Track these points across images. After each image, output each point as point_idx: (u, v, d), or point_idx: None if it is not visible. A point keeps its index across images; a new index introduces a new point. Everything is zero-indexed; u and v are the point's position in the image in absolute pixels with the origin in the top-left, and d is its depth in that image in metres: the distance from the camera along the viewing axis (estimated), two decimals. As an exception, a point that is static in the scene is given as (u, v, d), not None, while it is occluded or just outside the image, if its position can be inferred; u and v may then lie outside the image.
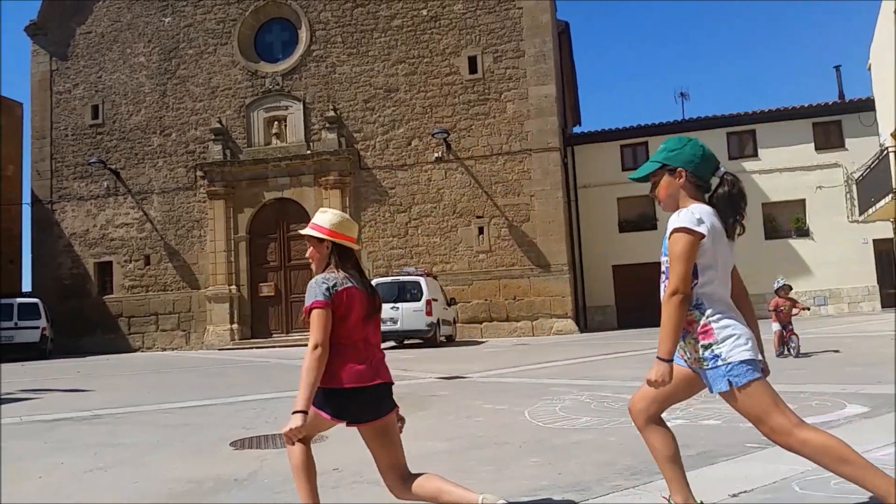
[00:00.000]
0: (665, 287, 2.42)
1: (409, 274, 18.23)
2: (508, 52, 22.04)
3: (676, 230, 2.42)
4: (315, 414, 2.71)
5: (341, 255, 2.89)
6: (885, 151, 18.85)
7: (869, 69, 22.36)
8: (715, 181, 2.54)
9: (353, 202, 22.46)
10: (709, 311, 2.47)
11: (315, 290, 2.74)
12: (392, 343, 18.33)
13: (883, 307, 22.20)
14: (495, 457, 4.36)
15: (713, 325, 2.46)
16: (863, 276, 22.78)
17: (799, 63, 68.93)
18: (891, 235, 22.00)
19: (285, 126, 23.39)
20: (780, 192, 23.39)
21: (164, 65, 24.41)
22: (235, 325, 22.60)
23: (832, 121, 23.43)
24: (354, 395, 2.72)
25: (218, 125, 23.37)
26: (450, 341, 18.92)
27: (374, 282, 18.69)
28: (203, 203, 23.53)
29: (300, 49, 23.57)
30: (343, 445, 5.07)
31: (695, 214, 2.43)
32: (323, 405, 2.73)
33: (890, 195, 18.42)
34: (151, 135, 24.32)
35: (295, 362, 14.12)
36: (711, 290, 2.47)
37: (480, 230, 21.64)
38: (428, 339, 17.22)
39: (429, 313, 16.99)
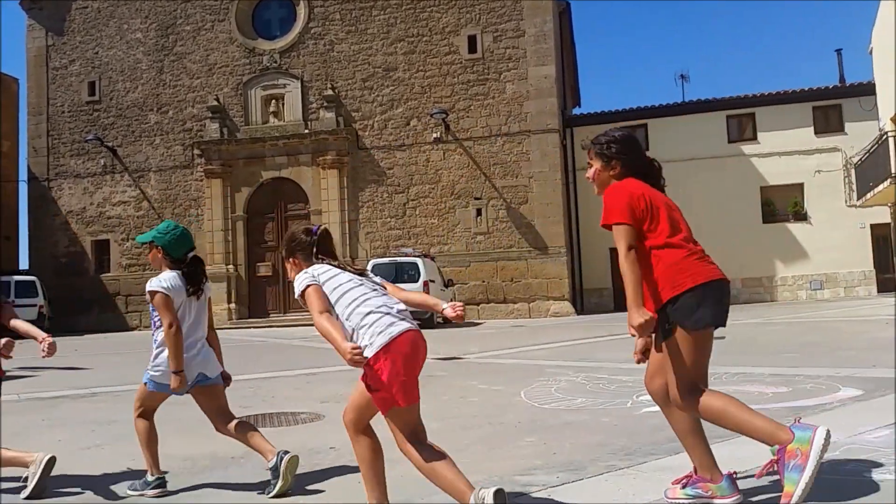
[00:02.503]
0: None
1: (406, 255, 18.25)
2: (508, 32, 21.89)
3: (148, 291, 3.52)
4: None
5: None
6: (885, 136, 18.83)
7: (870, 53, 22.26)
8: (188, 258, 3.61)
9: (350, 182, 22.41)
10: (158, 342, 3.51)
11: None
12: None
13: (879, 292, 22.28)
14: (490, 436, 4.38)
15: (156, 351, 3.54)
16: (860, 261, 22.83)
17: (800, 46, 68.59)
18: (888, 220, 22.02)
19: (283, 105, 23.26)
20: (779, 175, 23.35)
21: (161, 41, 24.20)
22: (233, 305, 22.62)
23: (832, 105, 23.35)
24: None
25: (215, 103, 23.23)
26: (447, 322, 18.98)
27: (371, 263, 18.71)
28: (200, 182, 23.46)
29: (298, 26, 23.38)
30: (339, 425, 5.10)
31: (161, 281, 3.52)
32: None
33: (888, 180, 18.43)
34: (148, 112, 24.18)
35: (292, 342, 14.17)
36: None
37: (478, 211, 21.62)
38: (425, 320, 17.25)
39: (426, 294, 17.00)
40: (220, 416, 3.62)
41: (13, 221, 28.60)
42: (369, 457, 2.69)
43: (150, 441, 3.50)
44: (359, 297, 2.64)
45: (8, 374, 9.48)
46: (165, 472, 3.51)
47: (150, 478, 3.44)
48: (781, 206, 23.54)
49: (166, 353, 3.44)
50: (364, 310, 2.59)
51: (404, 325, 2.56)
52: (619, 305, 23.37)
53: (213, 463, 4.05)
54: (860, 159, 21.56)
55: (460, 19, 22.24)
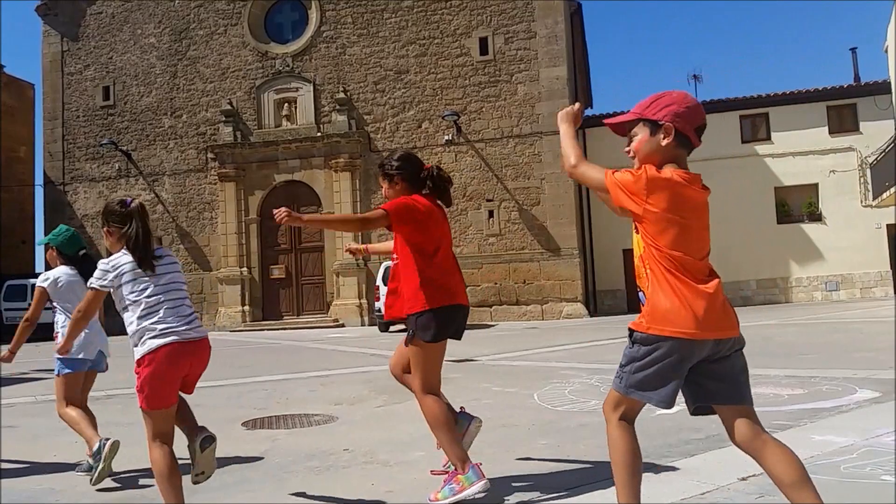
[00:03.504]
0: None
1: (418, 257, 18.20)
2: (520, 33, 21.87)
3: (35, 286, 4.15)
4: None
5: None
6: (901, 135, 18.63)
7: (885, 52, 22.06)
8: (81, 253, 4.23)
9: (363, 185, 22.46)
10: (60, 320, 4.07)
11: None
12: (401, 326, 18.40)
13: (895, 292, 22.05)
14: (504, 438, 4.37)
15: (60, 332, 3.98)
16: (876, 262, 22.61)
17: (814, 45, 68.11)
18: (905, 220, 21.79)
19: (295, 108, 23.36)
20: (793, 176, 23.19)
21: (175, 46, 24.38)
22: (247, 307, 22.72)
23: (847, 104, 23.15)
24: None
25: (228, 107, 23.36)
26: (459, 324, 18.93)
27: (383, 265, 18.73)
28: (214, 185, 23.59)
29: (310, 30, 23.47)
30: (353, 427, 5.10)
31: (47, 277, 4.08)
32: None
33: (905, 180, 18.23)
34: (162, 116, 24.35)
35: (306, 344, 14.21)
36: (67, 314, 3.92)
37: (490, 213, 21.61)
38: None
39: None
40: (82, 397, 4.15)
41: (29, 225, 28.89)
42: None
43: (86, 421, 3.85)
44: (144, 306, 2.93)
45: (25, 376, 9.58)
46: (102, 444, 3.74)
47: (90, 460, 3.66)
48: (796, 206, 23.36)
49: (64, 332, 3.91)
50: (144, 322, 2.91)
51: (169, 339, 2.84)
52: (633, 308, 23.28)
53: (223, 463, 4.07)
54: (875, 159, 21.36)
55: (471, 21, 22.25)
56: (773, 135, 23.59)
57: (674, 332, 2.10)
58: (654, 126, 2.22)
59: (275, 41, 23.92)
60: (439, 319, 3.11)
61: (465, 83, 22.08)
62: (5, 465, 4.27)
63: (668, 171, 2.14)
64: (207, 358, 3.03)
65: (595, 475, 3.35)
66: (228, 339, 18.06)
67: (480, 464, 3.12)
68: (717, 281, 2.15)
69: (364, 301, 21.78)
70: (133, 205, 3.05)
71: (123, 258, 2.96)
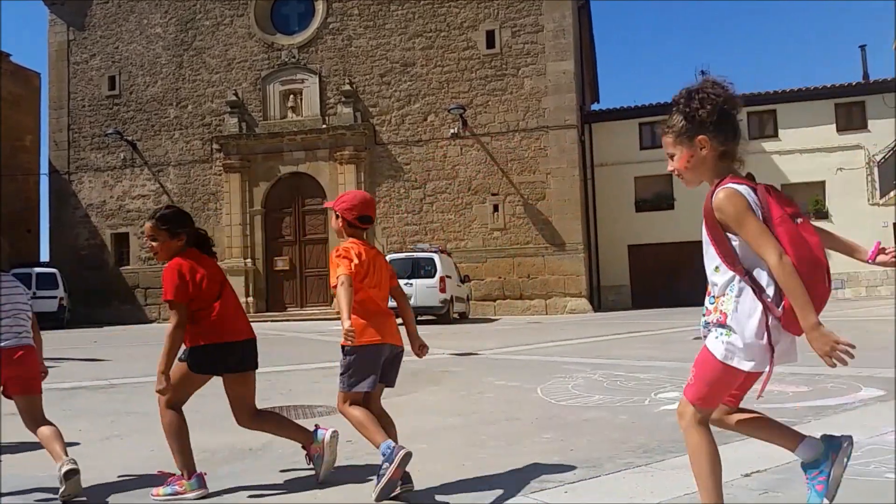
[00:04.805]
0: None
1: (423, 250, 18.24)
2: (527, 27, 21.79)
3: None
4: None
5: None
6: (909, 133, 18.54)
7: (895, 49, 21.92)
8: None
9: (367, 177, 22.45)
10: None
11: None
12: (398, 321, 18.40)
13: (899, 291, 21.97)
14: (507, 432, 4.36)
15: None
16: (882, 260, 22.51)
17: (822, 42, 67.75)
18: (911, 219, 21.69)
19: (301, 99, 23.33)
20: (800, 173, 23.09)
21: (181, 36, 24.36)
22: (251, 299, 22.76)
23: (855, 101, 23.04)
24: None
25: (234, 98, 23.35)
26: (463, 318, 18.96)
27: (388, 258, 18.71)
28: (219, 176, 23.60)
29: (316, 21, 23.43)
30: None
31: None
32: None
33: (912, 178, 18.15)
34: (168, 106, 24.35)
35: (310, 336, 14.23)
36: None
37: (495, 207, 21.58)
38: (441, 315, 17.27)
39: (442, 290, 17.01)
40: None
41: (34, 214, 28.96)
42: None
43: None
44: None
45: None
46: None
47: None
48: (802, 204, 23.20)
49: None
50: None
51: (10, 342, 3.46)
52: (637, 303, 23.27)
53: (232, 455, 4.08)
54: (883, 157, 21.27)
55: (479, 14, 22.18)
56: (781, 132, 23.50)
57: (368, 341, 3.24)
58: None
59: (281, 32, 23.88)
60: (210, 356, 3.38)
61: (471, 76, 22.03)
62: (9, 452, 4.28)
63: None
64: (34, 363, 3.59)
65: (598, 469, 3.34)
66: (232, 330, 18.04)
67: (205, 473, 3.34)
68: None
69: (368, 294, 21.77)
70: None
71: None
